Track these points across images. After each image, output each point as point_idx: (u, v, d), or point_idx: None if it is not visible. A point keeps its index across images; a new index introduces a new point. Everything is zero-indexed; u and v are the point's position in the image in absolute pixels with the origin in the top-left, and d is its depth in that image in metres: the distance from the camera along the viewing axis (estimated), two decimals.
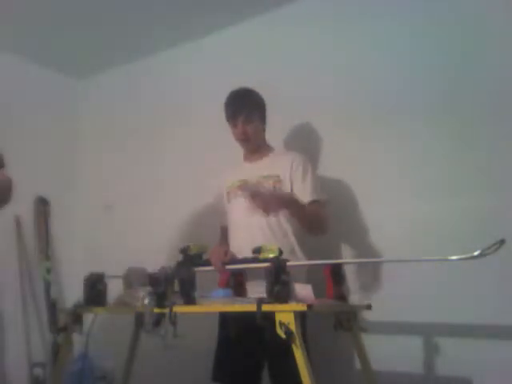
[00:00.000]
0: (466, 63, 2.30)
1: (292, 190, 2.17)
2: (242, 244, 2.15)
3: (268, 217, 2.10)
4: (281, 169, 2.21)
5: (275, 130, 2.50)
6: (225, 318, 2.14)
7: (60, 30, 3.11)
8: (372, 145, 2.48)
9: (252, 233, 2.14)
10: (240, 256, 2.05)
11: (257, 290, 1.87)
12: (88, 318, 2.07)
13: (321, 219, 2.15)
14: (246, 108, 2.23)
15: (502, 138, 2.17)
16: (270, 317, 1.56)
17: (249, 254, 1.95)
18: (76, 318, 2.06)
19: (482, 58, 2.26)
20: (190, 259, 2.07)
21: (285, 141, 2.67)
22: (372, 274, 2.33)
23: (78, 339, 2.13)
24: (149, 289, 1.85)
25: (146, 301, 1.80)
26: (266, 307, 1.56)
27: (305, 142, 2.65)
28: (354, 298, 2.25)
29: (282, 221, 2.15)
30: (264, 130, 2.33)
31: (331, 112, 2.59)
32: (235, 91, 2.29)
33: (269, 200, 2.02)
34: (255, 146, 2.31)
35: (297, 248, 2.14)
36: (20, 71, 3.41)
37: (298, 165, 2.20)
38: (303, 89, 2.69)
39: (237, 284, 1.97)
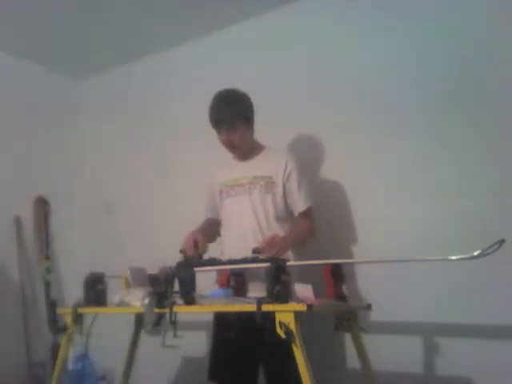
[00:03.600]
0: (468, 64, 2.29)
1: (285, 195, 2.20)
2: (232, 244, 2.16)
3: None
4: (273, 170, 2.21)
5: (276, 130, 2.50)
6: (221, 319, 2.14)
7: (60, 30, 3.11)
8: (372, 146, 2.48)
9: (243, 234, 2.15)
10: (232, 256, 2.03)
11: (257, 290, 1.88)
12: (88, 318, 2.07)
13: (311, 231, 2.22)
14: (229, 117, 2.14)
15: (503, 139, 2.17)
16: (269, 317, 1.56)
17: (239, 254, 1.95)
18: (76, 317, 2.06)
19: (484, 58, 2.25)
20: (190, 259, 2.06)
21: (285, 141, 2.66)
22: (372, 274, 2.33)
23: (78, 339, 2.13)
24: (149, 289, 1.85)
25: (146, 301, 1.80)
26: (265, 307, 1.56)
27: (306, 143, 2.65)
28: (354, 298, 2.25)
29: (272, 224, 2.17)
30: (252, 132, 2.28)
31: (331, 112, 2.59)
32: (219, 95, 2.20)
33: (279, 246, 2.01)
34: (242, 152, 2.28)
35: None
36: (20, 71, 3.41)
37: (291, 170, 2.20)
38: (304, 88, 2.69)
39: (237, 284, 1.97)
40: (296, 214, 2.22)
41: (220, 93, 2.21)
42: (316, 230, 2.25)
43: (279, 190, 2.20)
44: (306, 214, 2.22)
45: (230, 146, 2.23)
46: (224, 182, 2.29)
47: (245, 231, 2.16)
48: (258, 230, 2.15)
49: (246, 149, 2.27)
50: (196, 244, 2.06)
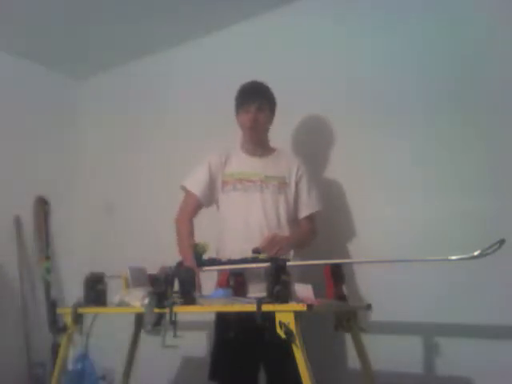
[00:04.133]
0: (468, 64, 2.29)
1: (296, 197, 2.23)
2: (238, 242, 2.11)
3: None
4: (286, 172, 2.24)
5: (276, 130, 2.50)
6: (223, 319, 2.14)
7: (60, 30, 3.11)
8: (372, 146, 2.47)
9: (249, 232, 2.13)
10: (234, 255, 2.02)
11: (257, 290, 1.88)
12: (88, 318, 2.07)
13: (313, 235, 2.27)
14: (261, 96, 2.22)
15: (503, 138, 2.17)
16: (270, 317, 1.56)
17: (244, 253, 1.95)
18: (76, 317, 2.06)
19: (484, 58, 2.25)
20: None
21: (285, 141, 2.66)
22: (372, 274, 2.33)
23: (78, 339, 2.13)
24: (149, 289, 1.85)
25: (146, 301, 1.80)
26: (266, 307, 1.56)
27: (305, 143, 2.65)
28: (354, 298, 2.25)
29: (282, 224, 2.18)
30: (270, 125, 2.30)
31: (331, 112, 2.59)
32: (251, 81, 2.27)
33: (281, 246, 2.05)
34: (259, 138, 2.27)
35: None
36: (20, 71, 3.41)
37: (303, 173, 2.26)
38: (304, 88, 2.69)
39: (237, 284, 1.96)
40: (300, 216, 2.24)
41: (251, 81, 2.27)
42: (317, 235, 2.28)
43: (291, 191, 2.22)
44: (311, 218, 2.25)
45: (255, 124, 2.20)
46: (230, 172, 2.23)
47: (252, 230, 2.13)
48: (266, 231, 2.12)
49: (263, 135, 2.28)
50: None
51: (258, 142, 2.27)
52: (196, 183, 2.25)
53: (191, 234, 2.20)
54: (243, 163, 2.25)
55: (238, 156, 2.28)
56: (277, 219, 2.17)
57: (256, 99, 2.20)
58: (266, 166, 2.23)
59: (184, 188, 2.27)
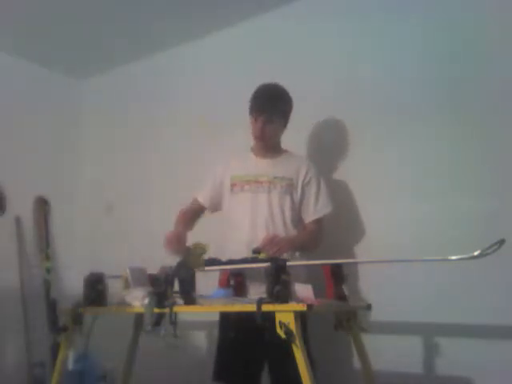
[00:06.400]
0: (468, 64, 2.29)
1: (302, 199, 2.22)
2: (243, 242, 2.12)
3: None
4: (294, 172, 2.23)
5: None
6: (225, 319, 2.14)
7: (60, 30, 3.11)
8: (372, 145, 2.47)
9: (255, 232, 2.13)
10: (239, 254, 2.03)
11: (257, 290, 1.88)
12: (88, 318, 2.07)
13: (317, 240, 2.23)
14: (271, 108, 2.17)
15: (503, 138, 2.17)
16: (270, 317, 1.56)
17: (249, 252, 1.95)
18: (76, 317, 2.06)
19: (484, 58, 2.25)
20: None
21: (285, 141, 2.66)
22: (372, 274, 2.33)
23: (78, 339, 2.13)
24: (149, 289, 1.85)
25: (146, 301, 1.80)
26: (266, 307, 1.56)
27: (305, 144, 2.65)
28: (354, 298, 2.25)
29: (288, 226, 2.18)
30: (283, 131, 2.30)
31: (331, 112, 2.59)
32: (267, 86, 2.22)
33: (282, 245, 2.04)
34: (268, 147, 2.27)
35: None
36: (20, 71, 3.41)
37: (312, 176, 2.24)
38: (304, 88, 2.69)
39: (237, 284, 1.97)
40: (307, 220, 2.24)
41: (267, 85, 2.23)
42: (322, 240, 2.25)
43: (297, 193, 2.22)
44: (317, 221, 2.24)
45: (261, 136, 2.21)
46: (238, 175, 2.25)
47: (259, 230, 2.13)
48: (272, 231, 2.13)
49: (273, 143, 2.28)
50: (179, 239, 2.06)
51: (266, 147, 2.28)
52: (202, 190, 2.38)
53: (185, 219, 2.31)
54: (252, 165, 2.26)
55: (246, 158, 2.30)
56: (282, 219, 2.17)
57: (265, 111, 2.16)
58: (274, 167, 2.24)
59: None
